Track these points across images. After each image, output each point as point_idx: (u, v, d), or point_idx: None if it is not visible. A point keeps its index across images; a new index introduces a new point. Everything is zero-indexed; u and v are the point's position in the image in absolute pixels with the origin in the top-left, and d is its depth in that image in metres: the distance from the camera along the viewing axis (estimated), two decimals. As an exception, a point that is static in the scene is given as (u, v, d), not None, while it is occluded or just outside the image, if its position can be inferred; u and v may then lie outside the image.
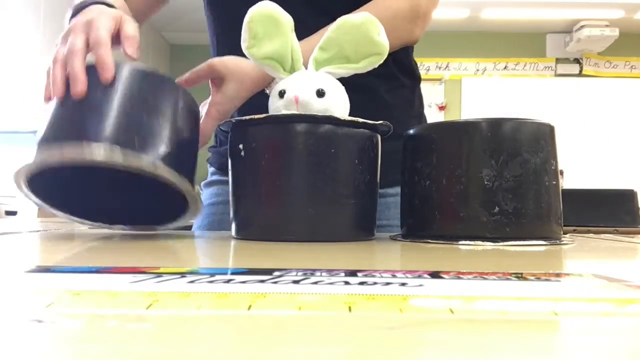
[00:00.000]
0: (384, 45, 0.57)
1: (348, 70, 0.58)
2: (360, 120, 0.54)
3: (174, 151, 0.52)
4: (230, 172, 0.57)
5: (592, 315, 0.19)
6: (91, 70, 0.52)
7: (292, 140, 0.53)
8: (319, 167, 0.52)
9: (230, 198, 0.57)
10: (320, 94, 0.54)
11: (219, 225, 0.64)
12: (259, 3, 0.55)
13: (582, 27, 4.21)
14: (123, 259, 0.36)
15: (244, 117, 0.55)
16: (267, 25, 0.55)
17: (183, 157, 0.54)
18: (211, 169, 0.91)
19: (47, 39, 2.86)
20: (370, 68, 0.58)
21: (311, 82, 0.55)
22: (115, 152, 0.47)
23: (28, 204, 2.06)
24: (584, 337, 0.17)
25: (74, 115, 0.51)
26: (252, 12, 0.55)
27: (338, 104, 0.56)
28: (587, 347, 0.16)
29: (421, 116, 0.87)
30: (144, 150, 0.49)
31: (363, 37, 0.56)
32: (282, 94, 0.55)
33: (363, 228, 0.57)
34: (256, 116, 0.54)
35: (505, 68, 4.63)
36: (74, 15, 0.61)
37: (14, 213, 2.09)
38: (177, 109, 0.55)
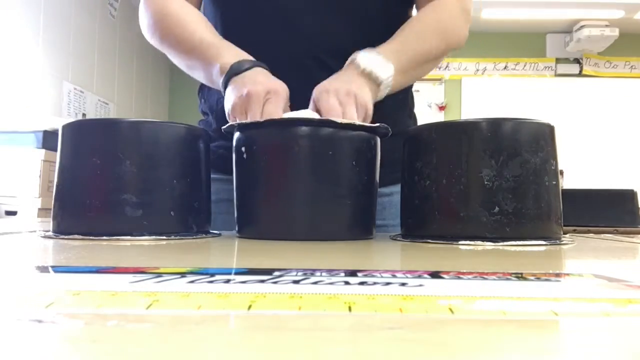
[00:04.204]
0: None
1: None
2: (357, 123, 0.55)
3: None
4: (234, 173, 0.58)
5: (592, 315, 0.19)
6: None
7: (292, 143, 0.53)
8: (318, 169, 0.54)
9: (235, 197, 0.58)
10: None
11: (213, 226, 0.64)
12: None
13: (582, 27, 4.21)
14: (123, 259, 0.36)
15: (245, 121, 0.55)
16: None
17: None
18: None
19: (48, 38, 2.86)
20: None
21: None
22: None
23: (28, 204, 2.06)
24: (584, 337, 0.17)
25: None
26: None
27: None
28: (587, 347, 0.16)
29: (412, 114, 0.89)
30: None
31: None
32: None
33: (361, 227, 0.57)
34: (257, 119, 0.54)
35: (505, 68, 4.62)
36: (231, 76, 0.61)
37: (14, 213, 2.09)
38: None
